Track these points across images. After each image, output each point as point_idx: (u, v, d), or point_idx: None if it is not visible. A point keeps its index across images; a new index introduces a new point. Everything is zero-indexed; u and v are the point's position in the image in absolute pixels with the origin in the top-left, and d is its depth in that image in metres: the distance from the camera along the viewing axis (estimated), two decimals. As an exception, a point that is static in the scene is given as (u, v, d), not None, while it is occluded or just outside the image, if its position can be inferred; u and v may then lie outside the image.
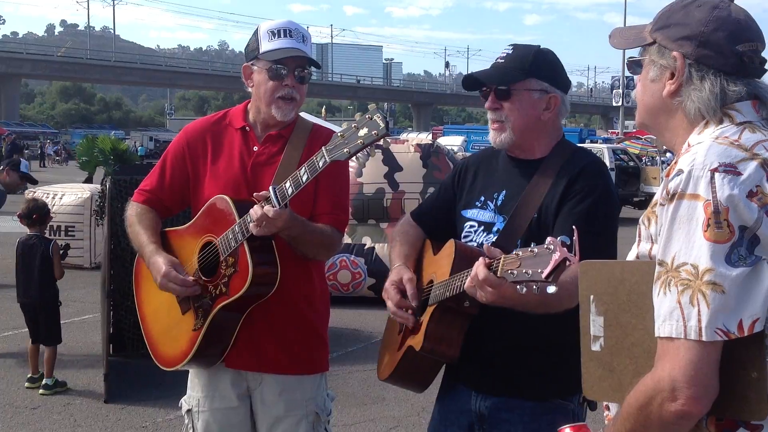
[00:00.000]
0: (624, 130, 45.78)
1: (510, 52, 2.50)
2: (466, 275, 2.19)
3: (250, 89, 2.94)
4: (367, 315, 8.73)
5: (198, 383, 2.98)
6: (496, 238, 2.43)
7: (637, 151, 28.48)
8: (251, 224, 2.62)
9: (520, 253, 1.94)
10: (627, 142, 31.84)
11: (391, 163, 9.92)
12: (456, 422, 2.57)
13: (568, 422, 2.41)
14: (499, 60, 2.50)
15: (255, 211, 2.60)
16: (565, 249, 1.82)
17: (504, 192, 2.50)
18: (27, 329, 8.11)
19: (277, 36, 2.83)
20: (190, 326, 2.85)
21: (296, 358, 2.90)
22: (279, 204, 2.58)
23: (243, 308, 2.78)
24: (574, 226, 1.90)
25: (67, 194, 11.16)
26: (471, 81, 2.53)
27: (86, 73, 76.17)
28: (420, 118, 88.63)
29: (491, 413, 2.48)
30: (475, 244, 2.49)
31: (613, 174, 21.41)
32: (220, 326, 2.79)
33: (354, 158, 10.62)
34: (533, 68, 2.43)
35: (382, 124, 2.41)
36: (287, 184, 2.60)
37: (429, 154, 10.08)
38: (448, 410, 2.61)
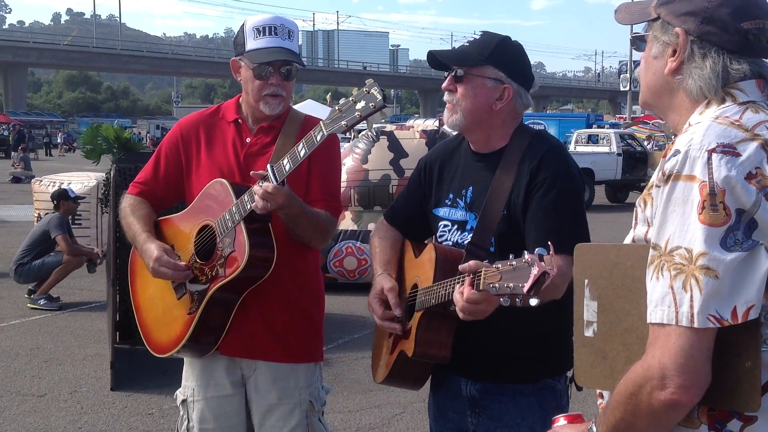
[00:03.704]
0: (632, 115, 45.58)
1: (477, 37, 2.51)
2: (450, 283, 2.23)
3: (240, 81, 2.95)
4: (373, 302, 8.69)
5: (192, 373, 2.98)
6: (470, 236, 2.46)
7: (644, 136, 28.38)
8: (249, 202, 2.63)
9: (500, 266, 1.96)
10: (634, 127, 31.72)
11: (396, 149, 9.89)
12: (452, 407, 2.60)
13: (555, 401, 2.44)
14: (465, 44, 2.51)
15: (255, 189, 2.61)
16: (543, 263, 1.84)
17: (471, 188, 2.51)
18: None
19: (262, 34, 2.84)
20: (185, 311, 2.84)
21: (290, 346, 2.90)
22: (277, 181, 2.58)
23: (239, 291, 2.77)
24: (550, 241, 1.90)
25: (73, 183, 11.15)
26: (433, 58, 2.54)
27: (93, 61, 76.23)
28: (426, 104, 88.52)
29: (482, 396, 2.51)
30: (451, 243, 2.52)
31: (620, 159, 21.50)
32: (215, 309, 2.78)
33: (359, 145, 10.54)
34: (492, 56, 2.43)
35: (379, 97, 2.41)
36: (285, 161, 2.61)
37: (435, 140, 10.02)
38: (444, 398, 2.64)
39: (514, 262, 1.92)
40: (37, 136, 50.82)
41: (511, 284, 1.91)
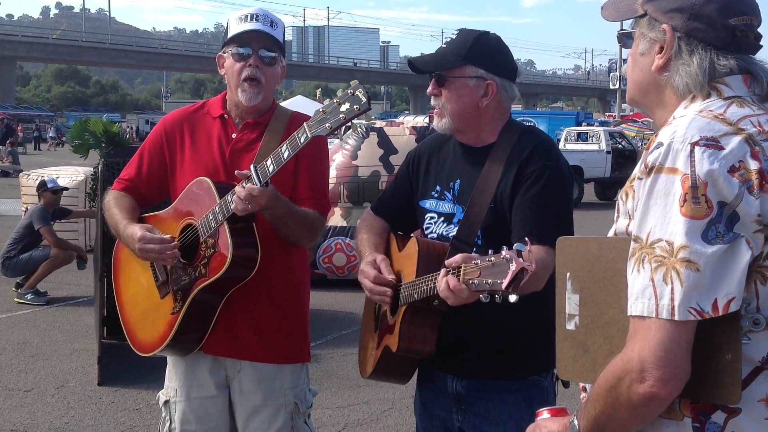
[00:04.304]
0: (621, 113, 45.69)
1: (454, 37, 2.49)
2: (432, 279, 2.22)
3: (224, 78, 2.93)
4: (362, 298, 8.63)
5: (176, 373, 2.95)
6: (456, 229, 2.45)
7: (633, 134, 28.45)
8: (232, 203, 2.60)
9: (479, 262, 1.96)
10: (624, 125, 31.80)
11: (386, 145, 9.89)
12: (437, 404, 2.60)
13: (542, 398, 2.44)
14: (442, 45, 2.50)
15: (237, 190, 2.58)
16: (521, 259, 1.84)
17: (459, 181, 2.51)
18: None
19: (243, 21, 2.84)
20: (168, 310, 2.82)
21: (275, 346, 2.87)
22: (260, 182, 2.55)
23: (222, 291, 2.75)
24: (527, 237, 1.90)
25: (61, 177, 11.10)
26: (414, 66, 2.53)
27: (82, 55, 75.95)
28: (417, 101, 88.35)
29: (468, 393, 2.51)
30: (436, 236, 2.51)
31: (609, 157, 21.55)
32: (199, 309, 2.76)
33: (348, 141, 10.52)
34: (470, 55, 2.42)
35: (363, 99, 2.39)
36: (268, 162, 2.58)
37: (425, 136, 10.01)
38: (429, 395, 2.63)
39: (492, 258, 1.92)
40: (27, 130, 50.58)
41: (489, 280, 1.91)
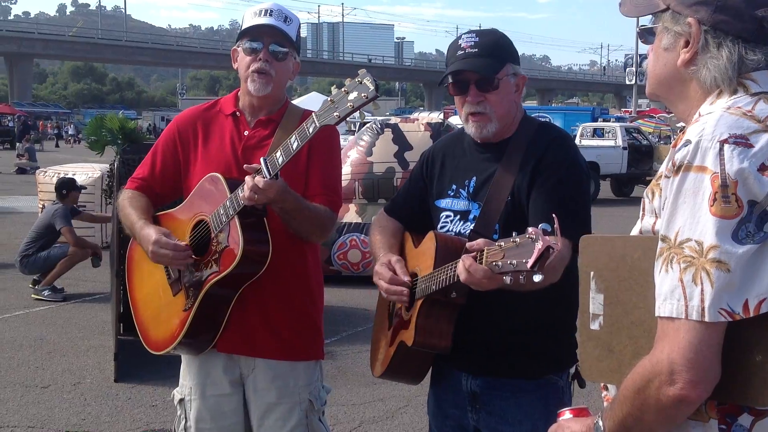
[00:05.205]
0: (637, 109, 45.48)
1: (477, 40, 2.42)
2: (450, 268, 2.18)
3: (237, 70, 2.92)
4: (377, 294, 8.66)
5: (190, 372, 2.94)
6: (473, 225, 2.42)
7: (650, 130, 28.32)
8: (241, 194, 2.59)
9: (503, 243, 1.93)
10: (640, 121, 31.67)
11: (401, 142, 9.88)
12: (452, 403, 2.57)
13: (558, 398, 2.41)
14: (469, 50, 2.40)
15: (246, 181, 2.57)
16: (547, 237, 1.80)
17: (474, 178, 2.48)
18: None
19: (257, 15, 2.84)
20: (180, 307, 2.81)
21: (289, 344, 2.85)
22: (270, 174, 2.54)
23: (234, 287, 2.73)
24: (554, 214, 1.87)
25: (78, 174, 11.16)
26: (461, 77, 2.42)
27: (98, 52, 76.44)
28: (431, 97, 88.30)
29: (483, 391, 2.48)
30: (453, 234, 2.48)
31: (625, 153, 21.45)
32: (211, 306, 2.75)
33: (363, 137, 10.50)
34: (506, 53, 2.43)
35: (371, 87, 2.36)
36: (277, 154, 2.56)
37: (439, 133, 9.99)
38: (443, 394, 2.61)
39: (517, 239, 1.89)
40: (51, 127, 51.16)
41: (514, 261, 1.87)
